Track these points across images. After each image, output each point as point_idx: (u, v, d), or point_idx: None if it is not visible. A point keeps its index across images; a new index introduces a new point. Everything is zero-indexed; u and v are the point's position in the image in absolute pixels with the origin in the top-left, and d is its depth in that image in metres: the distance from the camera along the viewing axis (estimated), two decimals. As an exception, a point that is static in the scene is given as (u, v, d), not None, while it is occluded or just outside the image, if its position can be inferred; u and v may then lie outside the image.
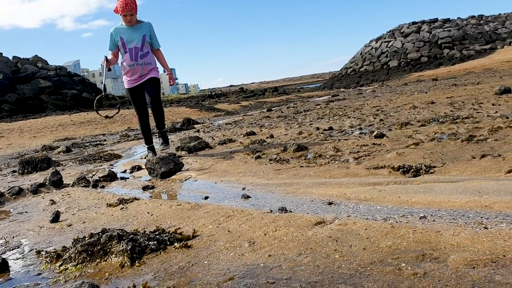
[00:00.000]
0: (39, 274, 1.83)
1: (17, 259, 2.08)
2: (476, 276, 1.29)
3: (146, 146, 4.97)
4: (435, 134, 4.16)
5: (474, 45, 35.85)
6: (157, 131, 4.97)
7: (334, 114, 8.37)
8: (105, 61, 4.54)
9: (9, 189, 3.80)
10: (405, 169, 2.85)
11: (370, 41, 44.10)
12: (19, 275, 1.85)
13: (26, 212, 3.13)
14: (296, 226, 1.93)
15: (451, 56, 35.26)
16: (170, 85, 4.87)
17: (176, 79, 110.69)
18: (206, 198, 2.89)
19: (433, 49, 36.82)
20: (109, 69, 4.67)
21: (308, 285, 1.39)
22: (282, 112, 11.47)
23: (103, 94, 4.79)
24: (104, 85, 4.70)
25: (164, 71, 4.93)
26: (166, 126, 5.02)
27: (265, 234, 1.90)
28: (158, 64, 4.81)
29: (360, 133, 4.88)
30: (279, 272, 1.51)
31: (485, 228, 1.67)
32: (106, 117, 5.11)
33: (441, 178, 2.57)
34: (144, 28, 4.58)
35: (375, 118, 6.38)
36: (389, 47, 39.70)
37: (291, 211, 2.23)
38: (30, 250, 2.17)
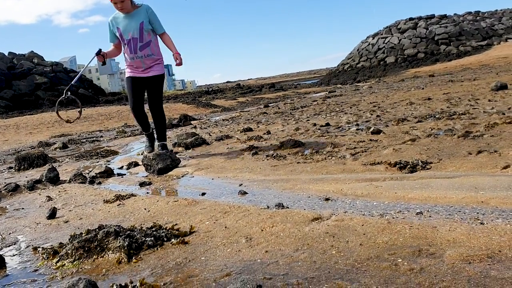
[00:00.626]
0: (36, 270, 1.83)
1: (14, 255, 2.07)
2: (472, 272, 1.30)
3: (144, 134, 4.75)
4: (431, 130, 4.17)
5: (470, 41, 35.91)
6: (157, 143, 4.63)
7: (331, 110, 8.37)
8: (97, 55, 4.20)
9: (5, 186, 3.79)
10: (401, 165, 2.85)
11: (367, 37, 44.07)
12: (16, 272, 1.85)
13: (23, 208, 3.12)
14: (293, 222, 1.93)
15: (447, 52, 35.31)
16: (177, 65, 4.43)
17: (173, 75, 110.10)
18: (203, 194, 2.89)
19: (430, 45, 36.86)
20: (104, 63, 4.36)
21: (305, 280, 1.39)
22: (279, 108, 11.46)
23: (64, 96, 4.24)
24: (71, 85, 4.34)
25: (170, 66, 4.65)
26: (167, 139, 4.74)
27: (262, 230, 1.90)
28: (165, 52, 4.49)
29: (357, 129, 4.89)
30: (276, 268, 1.51)
31: (481, 223, 1.68)
32: (68, 121, 4.90)
33: (438, 174, 2.58)
34: (141, 15, 4.20)
35: (372, 114, 6.39)
36: (386, 43, 39.70)
37: (288, 207, 2.24)
38: (27, 247, 2.17)
